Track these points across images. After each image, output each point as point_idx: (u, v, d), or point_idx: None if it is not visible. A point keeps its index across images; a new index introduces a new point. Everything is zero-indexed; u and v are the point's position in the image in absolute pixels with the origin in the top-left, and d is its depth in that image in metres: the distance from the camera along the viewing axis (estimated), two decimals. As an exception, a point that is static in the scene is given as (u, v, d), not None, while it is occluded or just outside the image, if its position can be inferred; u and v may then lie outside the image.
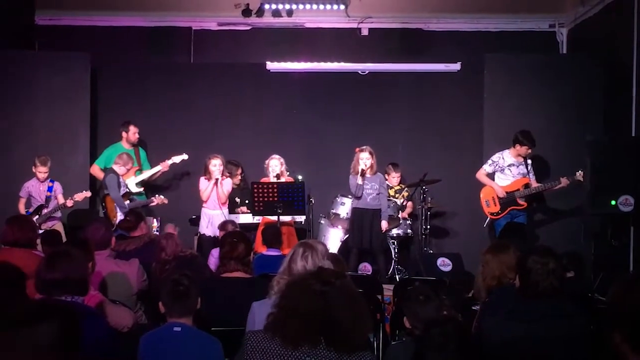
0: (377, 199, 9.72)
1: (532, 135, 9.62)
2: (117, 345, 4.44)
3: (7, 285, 3.60)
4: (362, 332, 3.28)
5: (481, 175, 9.89)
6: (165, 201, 10.26)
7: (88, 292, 4.63)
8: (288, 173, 10.28)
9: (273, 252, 7.31)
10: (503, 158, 9.74)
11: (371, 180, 9.70)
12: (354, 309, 3.21)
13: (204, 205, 10.02)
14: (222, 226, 8.20)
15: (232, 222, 8.36)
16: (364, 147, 9.75)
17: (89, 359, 3.88)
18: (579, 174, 9.36)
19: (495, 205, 9.70)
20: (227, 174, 10.13)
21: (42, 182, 9.74)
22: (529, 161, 9.76)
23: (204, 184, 9.98)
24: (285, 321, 3.18)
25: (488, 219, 9.77)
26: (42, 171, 9.69)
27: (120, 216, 9.60)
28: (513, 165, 9.71)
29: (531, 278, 4.16)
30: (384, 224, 9.73)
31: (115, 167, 10.03)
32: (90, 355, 4.01)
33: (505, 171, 9.74)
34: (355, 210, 9.80)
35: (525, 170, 9.71)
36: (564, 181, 9.47)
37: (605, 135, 10.02)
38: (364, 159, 9.61)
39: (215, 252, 7.88)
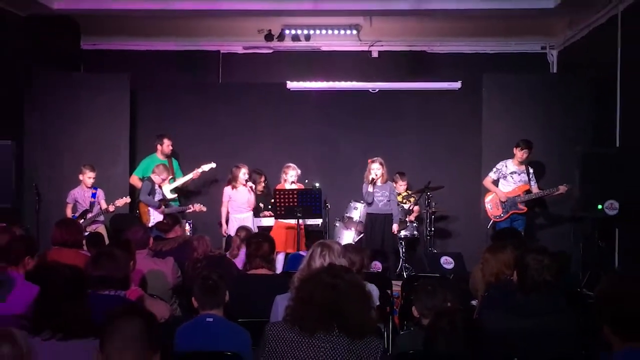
0: (388, 205, 9.73)
1: (530, 141, 9.62)
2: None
3: (77, 284, 3.65)
4: (370, 320, 3.31)
5: (487, 182, 9.88)
6: (204, 209, 10.27)
7: (129, 287, 4.67)
8: (307, 180, 10.32)
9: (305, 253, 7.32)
10: (506, 166, 9.73)
11: (382, 189, 9.71)
12: (362, 300, 3.25)
13: (231, 211, 10.05)
14: (237, 231, 8.18)
15: (246, 228, 8.34)
16: (375, 158, 9.78)
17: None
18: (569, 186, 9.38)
19: (498, 209, 9.69)
20: (252, 182, 10.18)
21: (89, 187, 9.78)
22: (531, 170, 9.74)
23: (227, 193, 10.04)
24: (302, 311, 3.21)
25: (491, 221, 9.75)
26: (91, 176, 9.76)
27: (152, 219, 9.66)
28: (515, 173, 9.69)
29: (528, 273, 4.17)
30: (395, 227, 9.76)
31: (153, 177, 10.13)
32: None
33: (507, 178, 9.71)
34: (368, 216, 9.83)
35: (526, 178, 9.68)
36: (563, 188, 9.44)
37: (593, 146, 9.99)
38: (375, 169, 9.65)
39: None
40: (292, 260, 7.22)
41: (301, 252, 7.57)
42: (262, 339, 3.27)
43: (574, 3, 9.75)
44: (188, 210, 10.18)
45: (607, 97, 9.85)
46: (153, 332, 2.86)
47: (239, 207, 10.01)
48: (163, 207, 9.97)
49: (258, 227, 9.97)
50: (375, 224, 9.72)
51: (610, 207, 8.90)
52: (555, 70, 12.22)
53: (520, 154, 9.63)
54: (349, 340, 3.14)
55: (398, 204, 10.13)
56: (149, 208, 9.98)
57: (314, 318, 3.16)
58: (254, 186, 10.05)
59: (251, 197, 10.05)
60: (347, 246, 5.83)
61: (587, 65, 10.81)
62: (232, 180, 10.01)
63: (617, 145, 9.55)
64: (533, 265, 4.16)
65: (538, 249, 4.42)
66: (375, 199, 9.67)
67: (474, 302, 5.48)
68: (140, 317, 2.86)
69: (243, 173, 9.96)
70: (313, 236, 9.47)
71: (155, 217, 9.73)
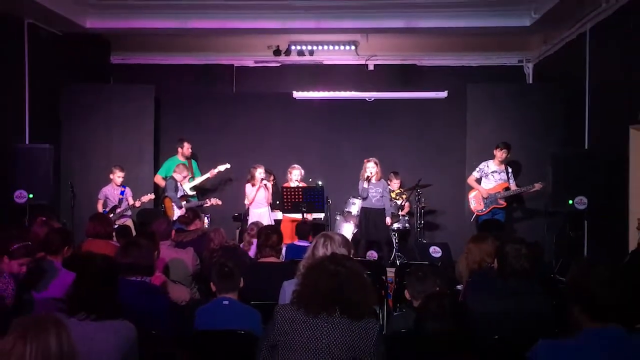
0: (381, 200, 9.74)
1: (509, 143, 9.65)
2: (177, 315, 4.46)
3: (111, 272, 3.67)
4: (368, 303, 3.31)
5: (471, 180, 9.87)
6: (220, 202, 10.22)
7: (154, 274, 4.68)
8: (310, 179, 10.32)
9: (302, 243, 7.25)
10: (488, 166, 9.72)
11: (376, 186, 9.72)
12: (361, 285, 3.25)
13: (250, 206, 10.04)
14: (249, 228, 8.16)
15: (257, 224, 8.32)
16: (371, 158, 9.80)
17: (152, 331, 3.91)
18: (544, 183, 9.37)
19: (480, 204, 9.67)
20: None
21: (118, 185, 9.80)
22: (510, 169, 9.74)
23: (250, 189, 10.02)
24: (308, 295, 3.22)
25: (474, 215, 9.74)
26: (120, 176, 9.79)
27: (176, 213, 9.67)
28: (496, 172, 9.68)
29: (507, 260, 4.17)
30: (388, 220, 9.77)
31: (175, 175, 10.13)
32: (156, 324, 4.04)
33: (489, 177, 9.70)
34: (363, 209, 9.83)
35: (506, 177, 9.67)
36: (538, 185, 9.43)
37: (564, 148, 9.98)
38: (370, 168, 9.66)
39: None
40: (289, 250, 7.20)
41: (295, 242, 7.51)
42: (272, 319, 3.27)
43: (548, 22, 9.75)
44: (205, 204, 10.18)
45: (576, 105, 9.84)
46: None
47: (257, 202, 10.04)
48: (184, 202, 9.97)
49: (275, 220, 9.98)
50: (369, 217, 9.74)
51: (579, 202, 8.90)
52: (531, 81, 12.21)
53: (500, 154, 9.63)
54: (349, 321, 3.15)
55: (391, 200, 10.14)
56: (173, 203, 9.99)
57: (318, 301, 3.17)
58: (268, 184, 10.07)
59: (267, 194, 10.07)
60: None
61: (559, 76, 10.81)
62: (250, 179, 10.03)
63: (586, 147, 9.54)
64: (512, 254, 4.16)
65: (516, 239, 4.42)
66: (369, 194, 9.70)
67: (459, 287, 5.47)
68: None
69: (259, 172, 9.99)
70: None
71: (178, 211, 9.74)
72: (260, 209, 9.99)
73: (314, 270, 3.32)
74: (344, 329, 3.12)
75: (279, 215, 10.28)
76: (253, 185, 9.98)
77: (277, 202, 10.39)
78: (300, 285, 3.35)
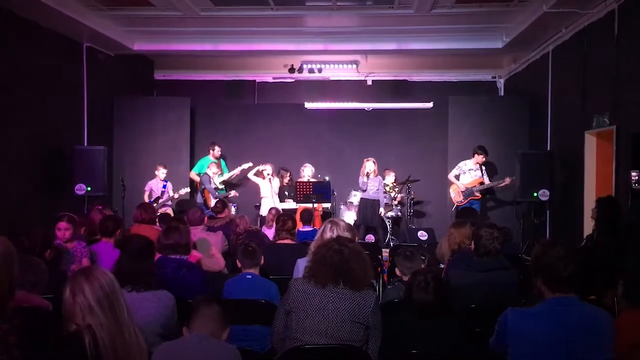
0: (377, 193, 9.73)
1: (486, 148, 9.62)
2: (208, 286, 4.49)
3: (146, 250, 3.68)
4: (367, 278, 3.32)
5: (451, 176, 9.84)
6: (237, 194, 10.36)
7: (190, 253, 4.70)
8: (319, 175, 10.32)
9: (307, 228, 7.28)
10: (465, 164, 9.69)
11: (373, 181, 9.70)
12: (360, 262, 3.25)
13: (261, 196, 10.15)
14: (269, 211, 8.20)
15: (276, 208, 8.35)
16: (369, 158, 9.78)
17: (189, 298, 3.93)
18: (512, 178, 9.34)
19: (459, 196, 9.65)
20: (279, 176, 10.29)
21: (161, 180, 9.84)
22: (484, 167, 9.71)
23: (260, 182, 10.21)
24: (317, 270, 3.23)
25: (454, 205, 9.72)
26: (163, 172, 9.85)
27: (213, 202, 9.72)
28: (472, 169, 9.65)
29: (482, 242, 4.18)
30: (382, 210, 9.76)
31: (209, 172, 10.18)
32: (192, 293, 4.06)
33: (466, 173, 9.67)
34: (362, 200, 9.82)
35: (480, 173, 9.65)
36: (508, 180, 9.40)
37: (530, 149, 9.95)
38: (369, 166, 9.65)
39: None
40: (298, 235, 7.18)
41: (302, 229, 7.35)
42: (287, 290, 3.29)
43: (516, 44, 9.71)
44: (229, 196, 10.22)
45: (540, 113, 9.81)
46: (225, 315, 2.87)
47: (265, 192, 10.22)
48: (217, 193, 10.05)
49: (282, 209, 10.02)
50: (367, 206, 9.73)
51: (543, 194, 8.87)
52: (502, 94, 12.18)
53: (480, 158, 9.59)
54: (351, 291, 3.16)
55: (385, 192, 10.13)
56: (210, 194, 10.06)
57: (325, 274, 3.18)
58: (273, 179, 10.22)
59: (270, 186, 10.22)
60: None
61: (526, 90, 10.77)
62: (259, 174, 10.19)
63: (548, 148, 9.51)
64: (485, 237, 4.17)
65: (489, 224, 4.42)
66: (368, 188, 9.69)
67: (441, 265, 5.48)
68: (217, 304, 2.88)
69: (264, 169, 10.24)
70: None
71: (214, 200, 9.82)
72: (266, 198, 10.15)
73: (322, 249, 3.34)
74: (346, 298, 3.14)
75: (291, 204, 10.28)
76: (263, 178, 10.12)
77: (292, 194, 10.41)
78: (311, 261, 3.37)
